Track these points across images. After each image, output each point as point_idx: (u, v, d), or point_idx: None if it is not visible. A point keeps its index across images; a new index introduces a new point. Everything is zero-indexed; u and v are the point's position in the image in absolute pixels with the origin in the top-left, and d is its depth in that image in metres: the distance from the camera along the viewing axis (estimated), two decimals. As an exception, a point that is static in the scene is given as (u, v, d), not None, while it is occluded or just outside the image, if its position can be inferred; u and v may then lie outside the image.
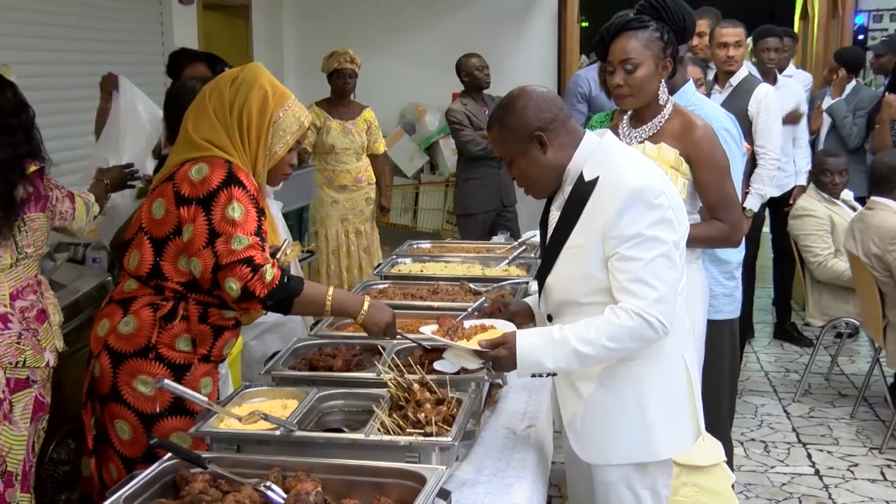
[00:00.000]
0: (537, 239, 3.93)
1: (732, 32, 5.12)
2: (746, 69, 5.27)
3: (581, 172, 2.23)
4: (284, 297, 2.36)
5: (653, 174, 2.21)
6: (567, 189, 2.27)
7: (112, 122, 3.87)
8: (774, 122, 5.05)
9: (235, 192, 2.35)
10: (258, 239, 2.35)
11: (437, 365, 2.34)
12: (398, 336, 2.58)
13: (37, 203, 2.91)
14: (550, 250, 2.30)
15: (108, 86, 3.95)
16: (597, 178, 2.19)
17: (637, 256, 2.12)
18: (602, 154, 2.23)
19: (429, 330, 2.40)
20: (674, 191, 2.26)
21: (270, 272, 2.32)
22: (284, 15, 7.62)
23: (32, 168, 2.87)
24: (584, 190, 2.21)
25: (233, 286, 2.31)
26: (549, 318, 2.34)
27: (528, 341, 2.20)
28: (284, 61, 7.38)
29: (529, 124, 2.22)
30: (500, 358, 2.22)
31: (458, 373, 2.34)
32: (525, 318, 2.54)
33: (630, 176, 2.16)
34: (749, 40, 5.81)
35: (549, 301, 2.33)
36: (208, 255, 2.32)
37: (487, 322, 2.43)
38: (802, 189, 5.72)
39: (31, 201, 2.88)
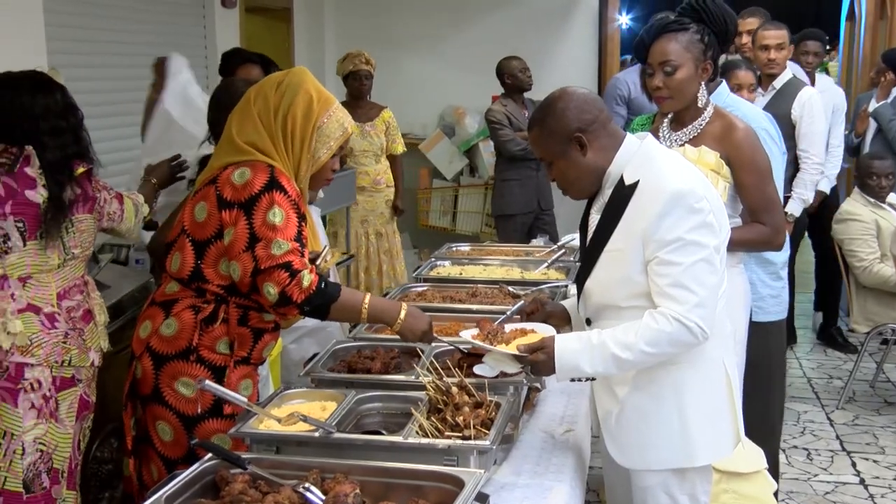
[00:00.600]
0: (576, 242, 3.93)
1: (775, 35, 5.06)
2: (791, 72, 5.21)
3: (621, 175, 2.22)
4: (322, 303, 2.36)
5: (694, 178, 2.20)
6: (607, 192, 2.26)
7: (156, 118, 3.77)
8: (818, 126, 4.98)
9: (277, 196, 2.36)
10: (298, 244, 2.36)
11: (476, 369, 2.35)
12: (435, 341, 2.59)
13: (84, 204, 2.95)
14: (590, 254, 2.30)
15: (158, 72, 3.86)
16: (637, 182, 2.19)
17: (677, 261, 2.11)
18: (642, 157, 2.23)
19: (469, 334, 2.41)
20: (715, 195, 2.24)
21: (308, 278, 2.33)
22: (326, 17, 7.67)
23: (81, 170, 2.92)
24: (624, 193, 2.20)
25: (271, 290, 2.32)
26: (588, 322, 2.34)
27: (567, 346, 2.20)
28: (326, 64, 7.43)
29: (569, 125, 2.22)
30: (538, 362, 2.23)
31: (497, 376, 2.35)
32: (560, 319, 2.54)
33: (671, 179, 2.15)
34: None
35: (588, 305, 2.33)
36: (248, 259, 2.34)
37: (528, 326, 2.44)
38: (822, 195, 5.64)
39: (79, 202, 2.92)
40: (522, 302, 2.75)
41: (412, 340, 2.52)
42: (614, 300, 2.24)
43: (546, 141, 2.27)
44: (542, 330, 2.40)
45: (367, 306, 2.44)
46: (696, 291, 2.11)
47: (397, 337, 2.58)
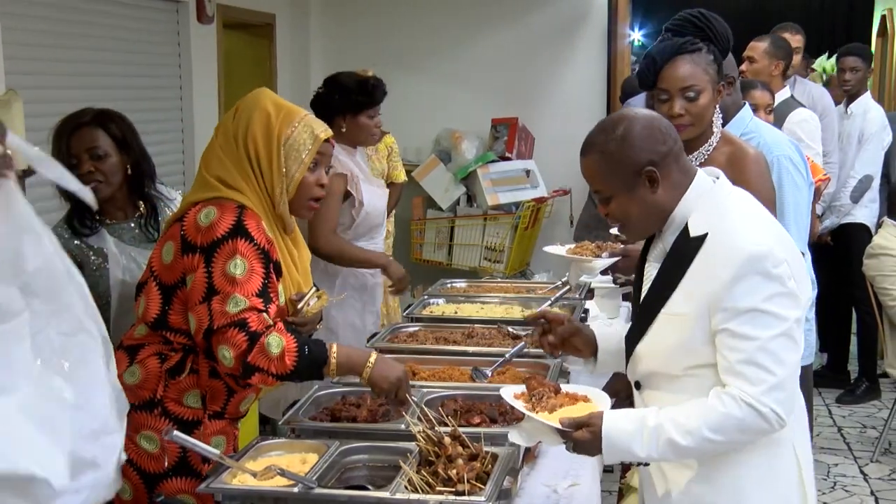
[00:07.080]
0: (586, 278, 3.94)
1: (751, 45, 5.16)
2: (789, 91, 5.26)
3: (686, 224, 2.10)
4: (314, 369, 2.34)
5: (774, 236, 2.08)
6: (668, 239, 2.14)
7: None
8: (811, 150, 4.99)
9: (241, 245, 2.34)
10: (261, 301, 2.32)
11: (510, 436, 2.21)
12: (409, 394, 2.50)
13: None
14: (645, 312, 2.17)
15: None
16: (705, 235, 2.06)
17: (752, 335, 1.99)
18: (713, 204, 2.10)
19: (512, 391, 2.26)
20: (797, 256, 2.11)
21: (277, 342, 2.27)
22: (311, 33, 7.73)
23: None
24: (689, 247, 2.08)
25: (226, 355, 2.28)
26: (637, 386, 2.25)
27: (617, 426, 2.04)
28: (312, 83, 7.46)
29: (641, 157, 2.07)
30: (582, 441, 2.07)
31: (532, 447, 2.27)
32: (585, 344, 2.37)
33: (747, 238, 2.03)
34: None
35: (638, 369, 2.22)
36: (203, 312, 2.32)
37: (581, 391, 2.26)
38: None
39: None
40: (523, 343, 2.75)
41: (384, 391, 2.44)
42: (669, 369, 2.12)
43: (608, 171, 2.09)
44: (597, 399, 2.21)
45: (335, 356, 2.37)
46: (774, 371, 1.98)
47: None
